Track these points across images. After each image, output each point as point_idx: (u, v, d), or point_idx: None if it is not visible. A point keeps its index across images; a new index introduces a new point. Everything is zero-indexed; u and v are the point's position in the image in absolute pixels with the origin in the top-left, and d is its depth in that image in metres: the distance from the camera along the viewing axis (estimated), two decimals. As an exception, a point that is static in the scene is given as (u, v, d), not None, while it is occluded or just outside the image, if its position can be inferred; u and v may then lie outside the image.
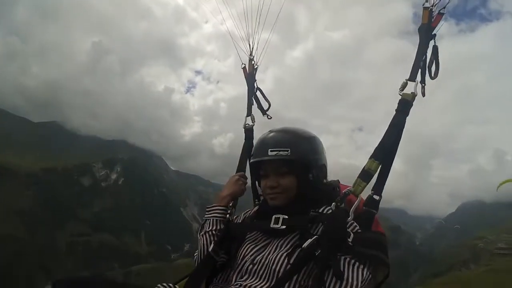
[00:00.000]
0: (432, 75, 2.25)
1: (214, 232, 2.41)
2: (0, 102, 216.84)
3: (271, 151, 2.17)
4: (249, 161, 2.65)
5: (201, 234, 2.46)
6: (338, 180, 2.36)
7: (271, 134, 2.28)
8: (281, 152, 2.15)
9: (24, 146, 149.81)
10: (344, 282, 1.75)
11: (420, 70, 2.20)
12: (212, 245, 2.33)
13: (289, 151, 2.14)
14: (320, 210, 2.10)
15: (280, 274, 1.94)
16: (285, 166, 2.18)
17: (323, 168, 2.30)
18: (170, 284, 2.23)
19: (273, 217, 2.12)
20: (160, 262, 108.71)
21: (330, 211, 2.01)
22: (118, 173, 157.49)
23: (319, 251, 1.82)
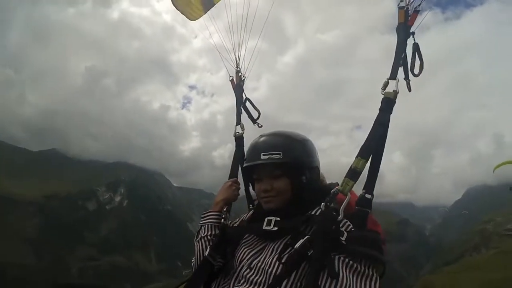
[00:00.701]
0: (415, 72, 2.27)
1: (209, 237, 2.46)
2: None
3: (263, 155, 2.18)
4: (241, 167, 2.82)
5: (196, 240, 2.51)
6: (337, 183, 2.29)
7: (263, 138, 2.30)
8: (273, 156, 2.15)
9: (25, 176, 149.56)
10: (339, 282, 1.73)
11: (402, 67, 2.23)
12: (208, 249, 2.34)
13: (281, 154, 2.15)
14: (314, 212, 2.08)
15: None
16: (278, 169, 2.18)
17: (316, 170, 2.32)
18: None
19: (266, 219, 2.13)
20: (172, 279, 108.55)
21: (320, 210, 2.02)
22: (122, 195, 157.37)
23: (312, 251, 1.81)
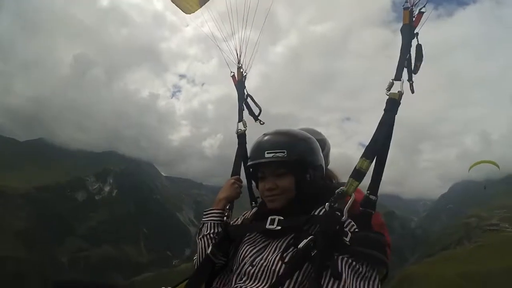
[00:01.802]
0: (415, 70, 2.34)
1: (212, 235, 2.49)
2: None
3: (267, 153, 2.19)
4: (244, 165, 2.95)
5: (199, 238, 2.54)
6: (344, 183, 2.33)
7: (267, 137, 2.31)
8: (278, 154, 2.16)
9: (13, 167, 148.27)
10: (342, 283, 1.73)
11: (406, 68, 2.27)
12: (210, 247, 2.37)
13: (285, 153, 2.16)
14: (317, 211, 2.12)
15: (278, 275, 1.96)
16: (282, 167, 2.20)
17: (320, 169, 2.34)
18: None
19: (269, 218, 2.16)
20: (162, 269, 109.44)
21: (324, 210, 2.03)
22: (111, 185, 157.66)
23: (315, 251, 1.83)
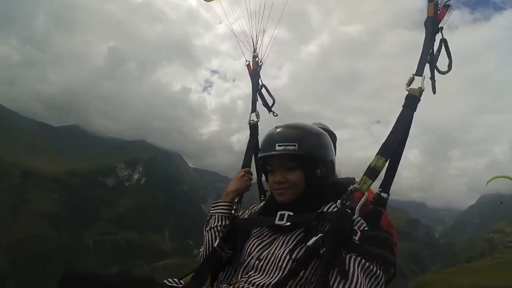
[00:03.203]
0: (445, 69, 2.27)
1: (219, 228, 2.44)
2: (21, 109, 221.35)
3: (278, 145, 2.15)
4: (255, 157, 2.88)
5: (206, 230, 2.50)
6: (353, 178, 2.36)
7: (279, 129, 2.27)
8: (288, 147, 2.12)
9: (46, 151, 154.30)
10: (349, 281, 1.71)
11: (429, 65, 2.20)
12: (217, 240, 2.33)
13: (296, 146, 2.12)
14: (327, 207, 2.08)
15: (285, 271, 1.93)
16: (292, 161, 2.16)
17: (331, 164, 2.29)
18: (176, 279, 2.30)
19: (278, 213, 2.11)
20: (183, 258, 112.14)
21: (336, 208, 1.98)
22: (140, 173, 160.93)
23: (324, 249, 1.79)
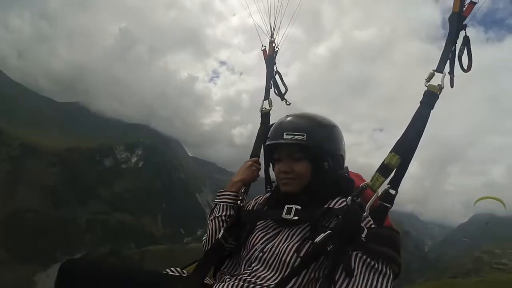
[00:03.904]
0: (465, 67, 2.20)
1: (224, 217, 2.40)
2: (27, 82, 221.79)
3: (286, 134, 2.10)
4: (264, 146, 2.67)
5: (210, 218, 2.46)
6: (359, 174, 2.40)
7: (289, 118, 2.23)
8: (296, 137, 2.07)
9: (49, 125, 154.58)
10: (354, 279, 1.68)
11: (449, 61, 2.13)
12: (221, 231, 2.28)
13: (305, 136, 2.07)
14: (334, 202, 2.04)
15: (289, 265, 1.89)
16: (299, 151, 2.11)
17: (339, 159, 2.23)
18: (178, 269, 2.26)
19: (286, 207, 2.05)
20: (174, 244, 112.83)
21: (345, 203, 1.95)
22: (139, 156, 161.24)
23: (331, 246, 1.75)
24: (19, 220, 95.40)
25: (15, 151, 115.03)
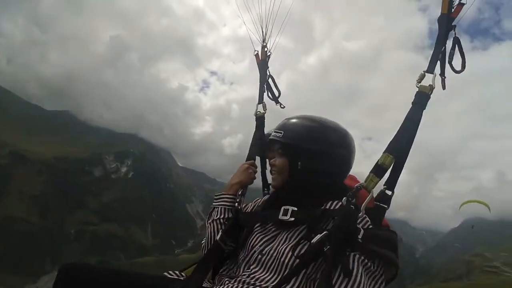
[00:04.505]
0: (457, 68, 2.21)
1: (222, 220, 2.43)
2: (16, 88, 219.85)
3: (274, 131, 2.23)
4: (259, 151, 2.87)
5: (209, 222, 2.48)
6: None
7: (287, 118, 2.30)
8: (277, 133, 2.19)
9: (37, 133, 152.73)
10: (352, 280, 1.69)
11: (439, 62, 2.16)
12: (220, 233, 2.31)
13: (282, 134, 2.17)
14: (329, 204, 2.03)
15: (288, 267, 1.90)
16: (279, 148, 2.22)
17: (322, 159, 2.14)
18: (177, 272, 2.29)
19: (282, 208, 2.08)
20: (164, 256, 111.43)
21: (340, 205, 1.96)
22: (128, 167, 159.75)
23: (328, 246, 1.77)
24: (7, 229, 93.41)
25: (4, 159, 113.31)
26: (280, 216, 2.06)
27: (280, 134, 2.17)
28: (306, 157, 2.13)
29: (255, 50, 3.22)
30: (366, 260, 1.76)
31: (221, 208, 2.47)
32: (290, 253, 1.91)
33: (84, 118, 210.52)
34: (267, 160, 2.55)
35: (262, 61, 3.18)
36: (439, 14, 2.19)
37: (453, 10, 2.15)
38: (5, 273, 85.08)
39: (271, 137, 2.22)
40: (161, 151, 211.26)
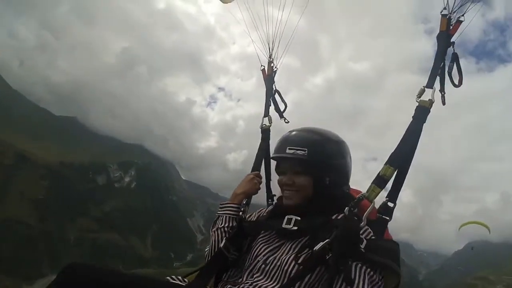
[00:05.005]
0: (457, 83, 2.29)
1: (226, 228, 2.48)
2: (26, 91, 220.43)
3: (289, 149, 2.19)
4: (265, 160, 3.02)
5: (213, 230, 2.53)
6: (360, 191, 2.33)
7: (294, 132, 2.32)
8: (298, 151, 2.16)
9: (43, 137, 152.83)
10: None
11: (439, 78, 2.23)
12: (223, 241, 2.36)
13: (306, 152, 2.15)
14: (334, 216, 2.08)
15: (291, 275, 1.94)
16: (300, 165, 2.20)
17: (343, 174, 2.31)
18: (180, 277, 2.30)
19: (286, 217, 2.14)
20: (163, 269, 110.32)
21: (342, 215, 1.99)
22: (132, 177, 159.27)
23: (330, 255, 1.79)
24: (7, 230, 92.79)
25: (9, 160, 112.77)
26: (284, 225, 2.13)
27: (304, 152, 2.16)
28: (333, 172, 2.23)
29: (261, 66, 3.36)
30: (368, 270, 1.79)
31: (225, 216, 2.54)
32: (293, 262, 1.96)
33: (91, 125, 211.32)
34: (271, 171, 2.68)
35: (269, 76, 3.32)
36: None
37: (451, 27, 2.24)
38: (2, 274, 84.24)
39: (291, 156, 2.19)
40: (165, 163, 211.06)
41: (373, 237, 1.97)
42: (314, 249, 1.83)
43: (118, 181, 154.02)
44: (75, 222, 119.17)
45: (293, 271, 1.94)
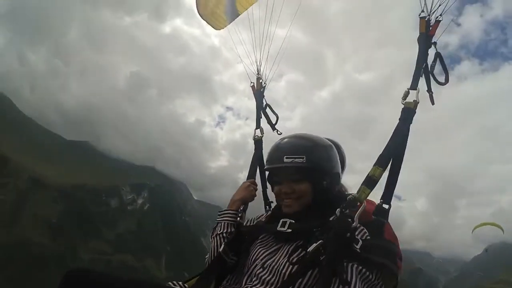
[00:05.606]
0: (443, 81, 2.33)
1: (225, 234, 2.55)
2: (38, 117, 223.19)
3: (286, 158, 2.18)
4: (260, 169, 3.11)
5: (212, 236, 2.62)
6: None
7: (286, 140, 2.34)
8: (296, 159, 2.16)
9: (56, 161, 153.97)
10: None
11: (425, 79, 2.30)
12: (222, 246, 2.40)
13: (304, 159, 2.15)
14: (331, 218, 2.05)
15: (286, 276, 1.96)
16: (299, 173, 2.20)
17: (336, 176, 2.34)
18: (180, 283, 2.34)
19: (281, 220, 2.18)
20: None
21: (335, 216, 1.99)
22: (145, 199, 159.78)
23: (324, 256, 1.80)
24: (21, 251, 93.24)
25: (23, 183, 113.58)
26: (278, 228, 2.17)
27: (302, 159, 2.17)
28: (329, 175, 2.26)
29: (251, 82, 3.63)
30: (364, 270, 1.80)
31: (224, 223, 2.65)
32: (287, 263, 1.98)
33: (103, 149, 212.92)
34: (269, 187, 2.73)
35: (258, 91, 3.56)
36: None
37: (430, 28, 2.30)
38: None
39: (290, 164, 2.20)
40: (177, 183, 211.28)
41: (368, 237, 1.98)
42: (308, 250, 1.84)
43: (130, 203, 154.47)
44: (88, 244, 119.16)
45: (287, 272, 1.96)
